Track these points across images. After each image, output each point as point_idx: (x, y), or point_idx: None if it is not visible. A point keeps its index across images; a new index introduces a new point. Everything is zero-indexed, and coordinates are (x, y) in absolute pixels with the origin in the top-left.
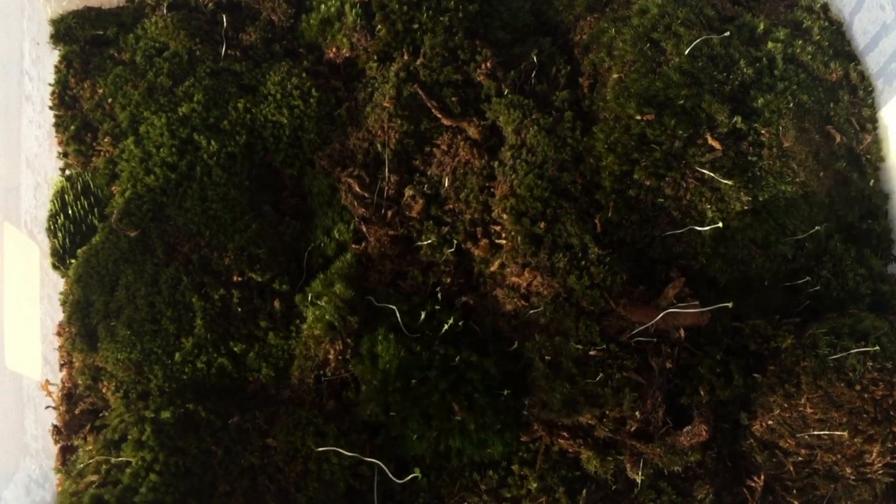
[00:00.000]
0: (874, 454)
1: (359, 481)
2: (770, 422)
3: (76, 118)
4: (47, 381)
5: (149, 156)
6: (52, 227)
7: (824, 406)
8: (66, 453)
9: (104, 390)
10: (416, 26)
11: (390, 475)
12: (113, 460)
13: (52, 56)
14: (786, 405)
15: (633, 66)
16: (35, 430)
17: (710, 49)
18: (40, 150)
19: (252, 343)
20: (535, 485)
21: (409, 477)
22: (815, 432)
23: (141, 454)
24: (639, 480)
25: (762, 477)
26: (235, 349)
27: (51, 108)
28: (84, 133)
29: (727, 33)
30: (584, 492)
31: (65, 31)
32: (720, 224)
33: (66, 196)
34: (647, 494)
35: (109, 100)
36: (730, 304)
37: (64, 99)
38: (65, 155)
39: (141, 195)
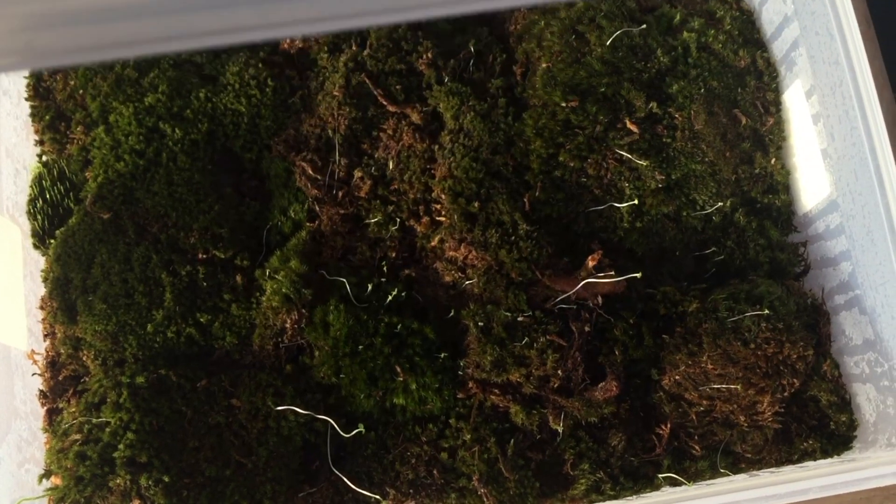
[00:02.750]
0: (765, 404)
1: (313, 436)
2: (677, 377)
3: (50, 109)
4: (33, 350)
5: (118, 143)
6: (31, 211)
7: (723, 362)
8: (52, 415)
9: (84, 358)
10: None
11: (339, 430)
12: (94, 421)
13: None
14: (690, 362)
15: (560, 56)
16: (23, 394)
17: (630, 40)
18: (18, 139)
19: (217, 314)
20: (469, 436)
21: (354, 432)
22: (715, 385)
23: (119, 415)
24: (560, 430)
25: (668, 425)
26: (202, 320)
27: (26, 99)
28: (58, 122)
29: (644, 25)
30: (513, 441)
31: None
32: (636, 201)
33: (43, 182)
34: (568, 442)
35: (80, 91)
36: (638, 274)
37: (38, 90)
38: (41, 143)
39: (112, 180)
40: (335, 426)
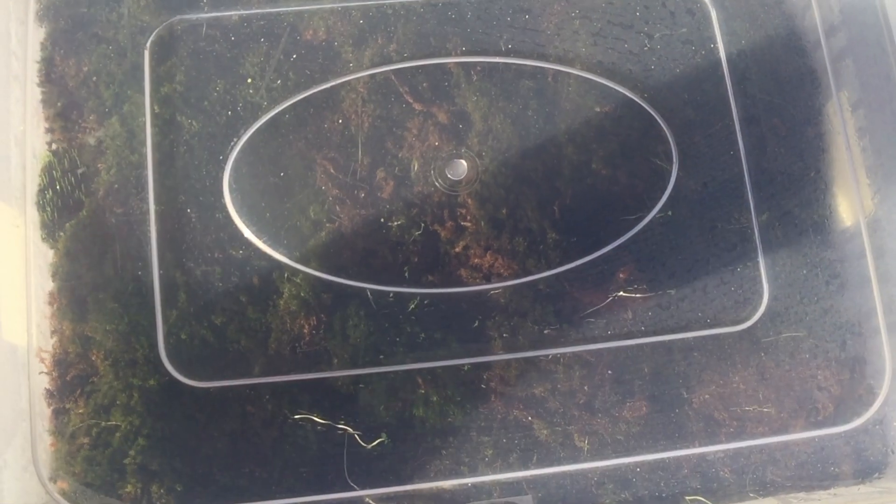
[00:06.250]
0: (796, 427)
1: (330, 445)
2: (707, 395)
3: (62, 95)
4: (40, 348)
5: (133, 134)
6: (40, 202)
7: (755, 384)
8: (58, 416)
9: (94, 358)
10: (390, 12)
11: (359, 440)
12: (103, 424)
13: (38, 34)
14: (721, 381)
15: (595, 58)
16: (29, 394)
17: (669, 42)
18: (28, 127)
19: (232, 316)
20: (490, 451)
21: (377, 441)
22: (746, 407)
23: (129, 419)
24: (585, 448)
25: (697, 445)
26: (216, 322)
27: (38, 84)
28: (70, 110)
29: (685, 29)
30: (535, 457)
31: (49, 8)
32: (670, 212)
33: (53, 172)
34: (592, 460)
35: (94, 78)
36: (672, 291)
37: (50, 76)
38: (51, 131)
39: (125, 172)
40: (355, 436)
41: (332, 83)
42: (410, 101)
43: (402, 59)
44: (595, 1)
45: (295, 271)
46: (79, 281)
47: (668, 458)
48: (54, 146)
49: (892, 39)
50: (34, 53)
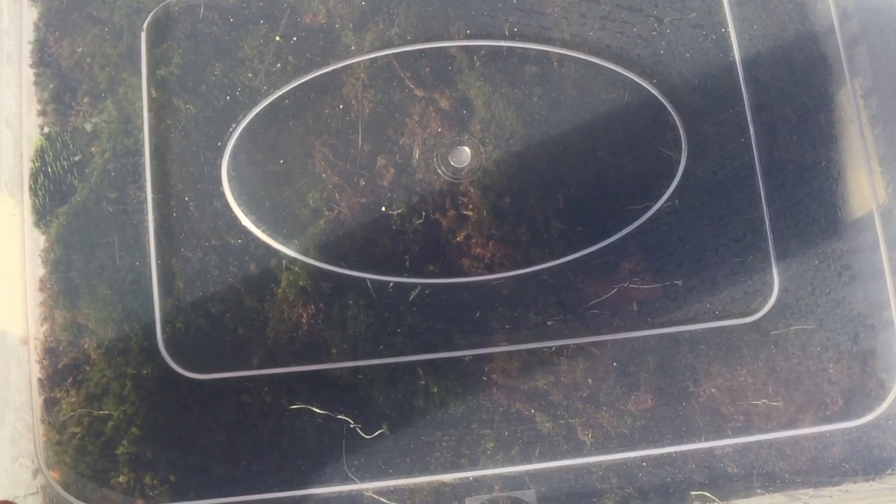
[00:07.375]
0: (806, 422)
1: (328, 437)
2: (713, 389)
3: (55, 77)
4: (31, 336)
5: (128, 118)
6: (33, 186)
7: (763, 377)
8: (49, 405)
9: (86, 346)
10: None
11: (359, 431)
12: (95, 413)
13: (31, 13)
14: (728, 375)
15: (602, 42)
16: (19, 383)
17: (679, 27)
18: (19, 109)
19: (229, 305)
20: (492, 444)
21: (377, 433)
22: (754, 401)
23: (122, 408)
24: (588, 442)
25: (703, 440)
26: (212, 310)
27: (30, 66)
28: (63, 92)
29: (695, 13)
30: (537, 451)
31: None
32: (677, 201)
33: (45, 155)
34: (596, 454)
35: (88, 59)
36: (679, 282)
37: (43, 57)
38: (44, 113)
39: (120, 156)
40: (355, 426)
41: (333, 67)
42: (412, 86)
43: (404, 43)
44: None
45: (293, 260)
46: (71, 267)
47: (674, 452)
48: (46, 129)
49: None
50: (27, 34)
